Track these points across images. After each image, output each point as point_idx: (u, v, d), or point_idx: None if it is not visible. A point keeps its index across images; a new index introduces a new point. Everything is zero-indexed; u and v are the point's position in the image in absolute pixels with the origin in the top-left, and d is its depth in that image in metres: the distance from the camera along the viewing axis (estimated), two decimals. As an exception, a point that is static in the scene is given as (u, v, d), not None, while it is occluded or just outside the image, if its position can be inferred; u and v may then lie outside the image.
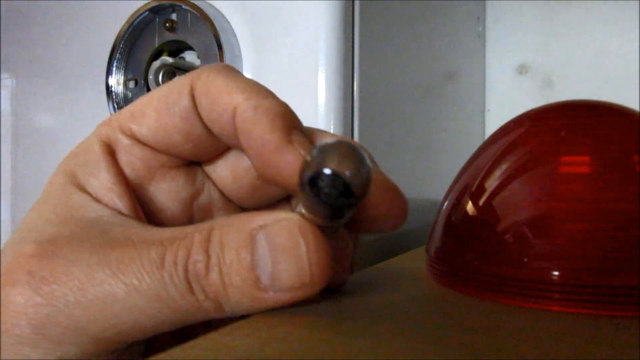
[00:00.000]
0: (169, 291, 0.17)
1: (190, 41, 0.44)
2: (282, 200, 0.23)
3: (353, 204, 0.16)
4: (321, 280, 0.17)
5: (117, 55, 0.46)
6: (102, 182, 0.20)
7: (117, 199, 0.20)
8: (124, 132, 0.20)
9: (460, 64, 0.63)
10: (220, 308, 0.17)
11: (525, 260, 0.20)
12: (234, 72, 0.20)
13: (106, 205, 0.19)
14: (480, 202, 0.22)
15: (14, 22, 0.55)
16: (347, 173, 0.15)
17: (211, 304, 0.17)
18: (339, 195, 0.16)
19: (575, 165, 0.21)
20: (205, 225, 0.18)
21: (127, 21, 0.45)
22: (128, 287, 0.17)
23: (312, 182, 0.16)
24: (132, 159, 0.20)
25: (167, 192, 0.21)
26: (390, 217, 0.19)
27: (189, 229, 0.18)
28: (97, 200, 0.20)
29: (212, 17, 0.41)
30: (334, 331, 0.16)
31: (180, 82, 0.20)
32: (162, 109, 0.20)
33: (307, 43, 0.39)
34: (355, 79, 0.40)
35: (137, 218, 0.20)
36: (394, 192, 0.19)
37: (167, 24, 0.44)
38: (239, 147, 0.20)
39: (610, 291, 0.18)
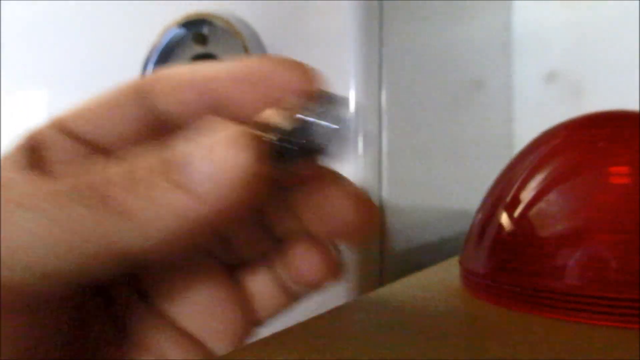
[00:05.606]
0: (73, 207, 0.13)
1: (221, 55, 0.44)
2: None
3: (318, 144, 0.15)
4: (217, 201, 0.13)
5: (149, 69, 0.47)
6: None
7: None
8: None
9: (487, 72, 0.63)
10: (135, 225, 0.13)
11: (563, 272, 0.20)
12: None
13: None
14: (516, 214, 0.22)
15: (46, 36, 0.57)
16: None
17: (122, 218, 0.13)
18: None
19: (615, 176, 0.21)
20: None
21: (159, 35, 0.46)
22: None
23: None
24: None
25: None
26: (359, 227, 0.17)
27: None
28: None
29: (242, 31, 0.42)
30: (363, 343, 0.16)
31: None
32: None
33: (335, 56, 0.39)
34: (383, 88, 0.41)
35: None
36: (363, 198, 0.17)
37: (199, 38, 0.45)
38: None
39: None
